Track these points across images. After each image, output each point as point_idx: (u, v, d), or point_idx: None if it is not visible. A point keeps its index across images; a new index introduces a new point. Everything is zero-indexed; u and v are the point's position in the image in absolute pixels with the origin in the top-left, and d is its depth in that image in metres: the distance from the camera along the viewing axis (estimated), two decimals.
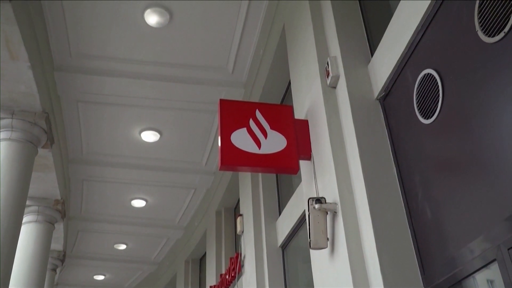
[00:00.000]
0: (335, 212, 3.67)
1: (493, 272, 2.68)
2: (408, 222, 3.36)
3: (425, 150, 3.26)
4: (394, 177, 3.56)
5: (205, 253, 10.46)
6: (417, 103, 3.33)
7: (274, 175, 7.08)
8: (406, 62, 3.52)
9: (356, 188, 3.61)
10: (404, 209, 3.42)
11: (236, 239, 9.06)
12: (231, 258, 7.69)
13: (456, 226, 2.92)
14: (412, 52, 3.44)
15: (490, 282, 2.82)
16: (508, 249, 2.38)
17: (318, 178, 4.10)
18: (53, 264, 10.01)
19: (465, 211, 2.80)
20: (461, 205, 2.84)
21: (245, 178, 7.48)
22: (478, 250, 2.65)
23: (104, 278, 14.27)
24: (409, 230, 3.33)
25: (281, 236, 6.38)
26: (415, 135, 3.39)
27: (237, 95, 7.36)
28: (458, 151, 2.89)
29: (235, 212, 9.37)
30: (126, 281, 14.76)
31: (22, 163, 5.91)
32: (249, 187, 7.16)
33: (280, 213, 6.63)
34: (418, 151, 3.34)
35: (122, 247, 12.31)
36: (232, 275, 7.45)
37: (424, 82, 3.23)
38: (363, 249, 3.42)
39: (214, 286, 8.64)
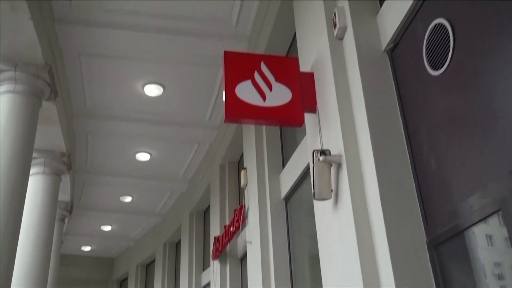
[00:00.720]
0: (340, 164, 3.67)
1: (493, 226, 2.71)
2: (412, 174, 3.36)
3: (432, 103, 3.21)
4: (400, 129, 3.53)
5: (209, 205, 10.61)
6: (426, 53, 3.24)
7: (278, 128, 7.06)
8: (416, 12, 3.41)
9: (361, 140, 3.59)
10: (409, 161, 3.41)
11: (239, 192, 9.16)
12: (235, 210, 7.79)
13: (460, 178, 2.92)
14: (423, 1, 3.32)
15: (489, 237, 2.85)
16: None
17: (323, 131, 4.07)
18: (61, 214, 10.19)
19: (470, 164, 2.79)
20: (467, 158, 2.82)
21: (249, 132, 7.47)
22: (481, 202, 2.65)
23: (111, 229, 14.58)
24: (413, 182, 3.33)
25: (285, 189, 6.44)
26: (423, 87, 3.33)
27: (241, 48, 7.23)
28: (466, 104, 2.84)
29: (239, 166, 9.43)
30: (132, 232, 15.08)
31: (27, 115, 5.88)
32: (253, 141, 7.16)
33: (283, 167, 6.66)
34: (426, 104, 3.29)
35: (128, 199, 12.48)
36: (236, 226, 7.57)
37: (434, 32, 3.14)
38: (367, 200, 3.44)
39: (218, 236, 8.81)
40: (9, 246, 5.31)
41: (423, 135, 3.32)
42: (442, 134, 3.10)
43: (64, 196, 10.03)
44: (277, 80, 4.26)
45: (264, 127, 7.01)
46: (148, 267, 15.72)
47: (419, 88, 3.39)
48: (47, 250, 7.73)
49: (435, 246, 3.05)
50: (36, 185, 7.78)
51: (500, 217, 2.53)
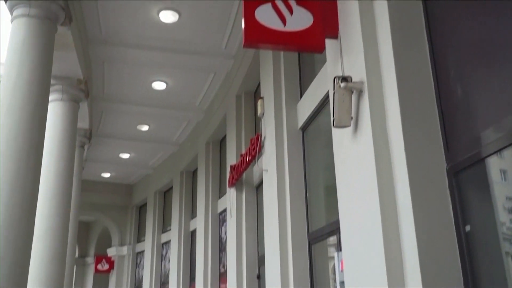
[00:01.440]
0: (361, 91, 3.60)
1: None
2: (436, 101, 3.28)
3: (461, 28, 3.07)
4: (425, 55, 3.41)
5: (225, 135, 10.68)
6: None
7: (296, 56, 6.90)
8: None
9: (384, 67, 3.49)
10: (433, 88, 3.32)
11: (256, 122, 9.16)
12: (251, 139, 7.83)
13: (486, 106, 2.85)
14: None
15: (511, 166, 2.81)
16: None
17: (345, 57, 3.96)
18: (81, 141, 10.37)
19: (497, 91, 2.71)
20: (494, 87, 2.74)
21: (266, 61, 7.33)
22: (506, 131, 2.60)
23: (129, 156, 14.87)
24: (436, 109, 3.26)
25: (302, 118, 6.41)
26: (451, 11, 3.16)
27: None
28: (496, 30, 2.70)
29: (255, 96, 9.35)
30: (150, 160, 15.39)
31: (43, 40, 5.81)
32: (271, 70, 7.04)
33: (301, 96, 6.59)
34: (455, 30, 3.14)
35: (145, 128, 12.60)
36: (252, 154, 7.64)
37: None
38: (388, 128, 3.40)
39: (235, 165, 8.93)
40: (32, 172, 5.46)
41: (450, 62, 3.20)
42: (470, 62, 2.99)
43: (83, 123, 10.15)
44: (298, 3, 4.10)
45: (282, 56, 6.86)
46: (166, 194, 16.20)
47: (447, 12, 3.22)
48: (69, 175, 7.95)
49: (454, 173, 3.04)
50: (55, 112, 7.86)
51: None
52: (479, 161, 2.85)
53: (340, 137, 3.98)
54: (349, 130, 3.77)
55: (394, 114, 3.29)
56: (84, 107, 9.12)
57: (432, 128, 3.23)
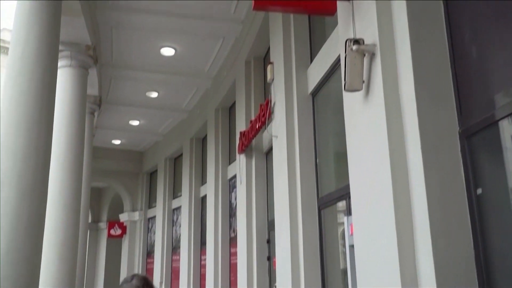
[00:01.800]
0: (373, 54, 3.54)
1: None
2: (450, 63, 3.22)
3: None
4: (440, 17, 3.33)
5: (235, 101, 10.64)
6: None
7: (307, 20, 6.77)
8: None
9: (397, 29, 3.42)
10: (447, 50, 3.26)
11: (265, 88, 9.10)
12: (261, 105, 7.80)
13: (501, 69, 2.78)
14: None
15: None
16: None
17: (357, 20, 3.88)
18: (91, 108, 10.42)
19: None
20: (509, 48, 2.67)
21: (276, 25, 7.21)
22: None
23: (139, 123, 14.93)
24: (450, 72, 3.21)
25: (312, 84, 6.35)
26: None
27: None
28: None
29: (265, 61, 9.25)
30: (159, 127, 15.44)
31: (51, 5, 5.73)
32: (280, 34, 6.93)
33: (311, 61, 6.51)
34: None
35: (154, 94, 12.59)
36: (262, 120, 7.62)
37: None
38: (400, 91, 3.36)
39: (244, 131, 8.94)
40: (44, 138, 5.50)
41: (465, 24, 3.12)
42: (485, 24, 2.91)
43: (92, 90, 10.17)
44: None
45: (292, 20, 6.74)
46: (176, 161, 16.33)
47: None
48: (80, 141, 8.02)
49: (467, 136, 3.01)
50: (64, 78, 7.86)
51: None
52: (492, 124, 2.82)
53: (351, 101, 3.95)
54: (360, 94, 3.74)
55: (407, 77, 3.24)
56: (93, 73, 9.11)
57: (445, 91, 3.18)
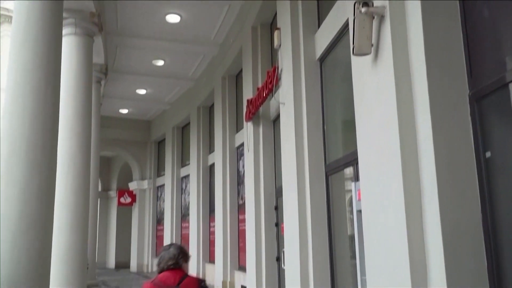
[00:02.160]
0: (383, 17, 3.46)
1: None
2: (461, 25, 3.15)
3: None
4: None
5: (241, 69, 10.55)
6: None
7: None
8: None
9: None
10: (458, 12, 3.18)
11: (272, 55, 9.00)
12: (268, 72, 7.73)
13: None
14: None
15: None
16: None
17: None
18: (97, 77, 10.38)
19: None
20: None
21: None
22: None
23: (146, 92, 14.89)
24: (461, 34, 3.14)
25: (320, 49, 6.26)
26: None
27: None
28: None
29: (271, 27, 9.11)
30: (166, 96, 15.40)
31: None
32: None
33: (319, 26, 6.39)
34: None
35: (160, 63, 12.50)
36: (269, 87, 7.57)
37: None
38: (409, 54, 3.30)
39: (251, 99, 8.89)
40: (51, 107, 5.50)
41: None
42: None
43: (98, 58, 10.10)
44: None
45: None
46: (184, 129, 16.36)
47: None
48: (87, 110, 8.03)
49: (477, 99, 2.97)
50: (69, 46, 7.79)
51: None
52: (503, 87, 2.77)
53: (360, 65, 3.90)
54: (369, 58, 3.68)
55: (417, 40, 3.18)
56: (98, 41, 9.03)
57: (455, 54, 3.13)
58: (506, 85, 2.76)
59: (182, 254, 2.88)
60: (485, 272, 2.90)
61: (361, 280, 4.54)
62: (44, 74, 5.45)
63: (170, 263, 2.83)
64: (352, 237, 5.22)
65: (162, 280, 2.78)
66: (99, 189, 18.12)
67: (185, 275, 2.85)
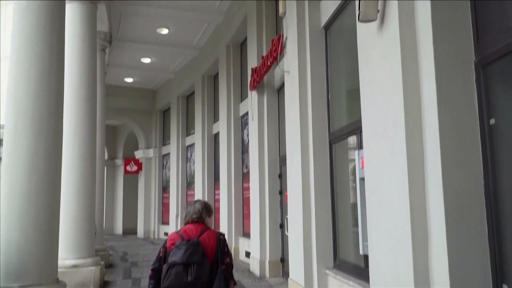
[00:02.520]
0: None
1: None
2: None
3: None
4: None
5: (246, 37, 10.42)
6: None
7: None
8: None
9: None
10: None
11: (277, 23, 8.87)
12: (272, 40, 7.63)
13: None
14: None
15: None
16: None
17: None
18: (101, 45, 10.28)
19: None
20: None
21: None
22: None
23: (150, 61, 14.79)
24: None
25: (325, 17, 6.15)
26: None
27: None
28: None
29: None
30: (171, 65, 15.30)
31: None
32: None
33: None
34: None
35: (164, 31, 12.36)
36: (274, 56, 7.49)
37: None
38: (416, 20, 3.24)
39: (256, 67, 8.82)
40: (55, 75, 5.47)
41: None
42: None
43: (102, 26, 9.99)
44: None
45: None
46: (188, 98, 16.31)
47: None
48: (92, 78, 7.99)
49: (483, 66, 2.93)
50: (72, 13, 7.68)
51: None
52: (509, 53, 2.73)
53: (365, 32, 3.83)
54: (374, 24, 3.62)
55: (423, 6, 3.11)
56: (102, 9, 8.91)
57: (462, 20, 3.06)
58: None
59: (205, 210, 3.16)
60: (485, 237, 2.92)
61: (363, 246, 4.60)
62: (47, 41, 5.40)
63: (194, 216, 3.13)
64: (354, 205, 5.26)
65: (185, 231, 3.06)
66: (106, 157, 18.26)
67: (206, 228, 3.11)
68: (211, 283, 2.94)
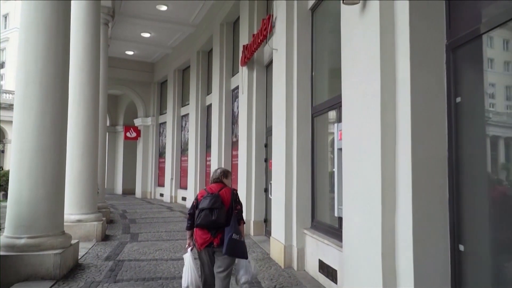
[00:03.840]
0: None
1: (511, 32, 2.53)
2: None
3: None
4: None
5: (239, 17, 10.24)
6: None
7: None
8: None
9: None
10: None
11: (268, 4, 8.71)
12: (263, 20, 7.51)
13: None
14: None
15: (506, 41, 2.69)
16: None
17: None
18: (105, 19, 10.02)
19: None
20: None
21: None
22: (505, 6, 2.42)
23: (150, 36, 14.48)
24: None
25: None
26: None
27: None
28: None
29: None
30: (169, 40, 15.01)
31: None
32: None
33: None
34: None
35: (164, 8, 12.07)
36: (264, 34, 7.39)
37: None
38: (395, 7, 3.20)
39: (247, 45, 8.70)
40: (62, 45, 5.35)
41: None
42: None
43: (106, 1, 9.75)
44: None
45: None
46: (184, 72, 16.11)
47: None
48: (96, 49, 7.83)
49: (453, 49, 2.92)
50: None
51: None
52: (477, 38, 2.72)
53: (348, 13, 3.78)
54: (357, 7, 3.57)
55: None
56: None
57: (437, 6, 3.04)
58: (479, 36, 2.71)
59: (223, 174, 3.96)
60: (446, 202, 2.99)
61: (338, 209, 4.68)
62: (55, 13, 5.27)
63: (215, 178, 3.96)
64: (331, 173, 5.31)
65: (210, 188, 3.89)
66: (108, 123, 18.09)
67: (224, 186, 3.92)
68: (228, 222, 3.73)
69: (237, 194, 3.92)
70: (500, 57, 2.68)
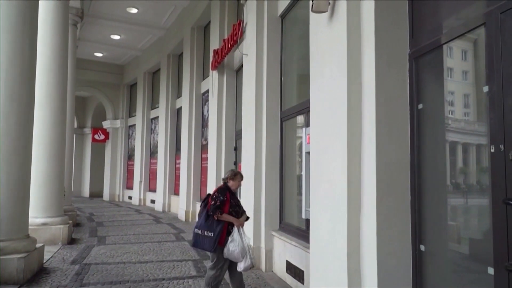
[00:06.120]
0: None
1: (470, 43, 2.64)
2: None
3: None
4: None
5: (209, 21, 10.20)
6: None
7: None
8: None
9: None
10: None
11: (238, 10, 8.72)
12: (233, 25, 7.51)
13: None
14: None
15: (464, 52, 2.80)
16: (501, 13, 2.26)
17: None
18: (73, 20, 9.72)
19: None
20: None
21: None
22: (464, 18, 2.52)
23: (120, 38, 14.18)
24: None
25: (282, 7, 6.12)
26: None
27: None
28: None
29: None
30: (139, 43, 14.74)
31: None
32: None
33: None
34: None
35: (134, 10, 11.86)
36: (234, 40, 7.39)
37: None
38: (361, 16, 3.27)
39: (217, 49, 8.68)
40: (28, 46, 5.16)
41: None
42: None
43: (75, 2, 9.48)
44: None
45: None
46: (154, 75, 15.86)
47: None
48: (63, 50, 7.59)
49: (415, 58, 3.02)
50: None
51: (484, 30, 2.43)
52: (438, 48, 2.82)
53: (317, 22, 3.84)
54: (325, 15, 3.63)
55: (368, 3, 3.14)
56: None
57: (401, 16, 3.13)
58: (440, 46, 2.80)
59: (229, 175, 4.28)
60: (408, 203, 3.07)
61: (305, 211, 4.72)
62: (21, 13, 5.08)
63: (223, 178, 4.34)
64: (299, 176, 5.35)
65: (218, 187, 4.29)
66: (75, 125, 17.55)
67: (220, 185, 4.27)
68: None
69: (215, 192, 4.15)
70: (459, 66, 2.79)
